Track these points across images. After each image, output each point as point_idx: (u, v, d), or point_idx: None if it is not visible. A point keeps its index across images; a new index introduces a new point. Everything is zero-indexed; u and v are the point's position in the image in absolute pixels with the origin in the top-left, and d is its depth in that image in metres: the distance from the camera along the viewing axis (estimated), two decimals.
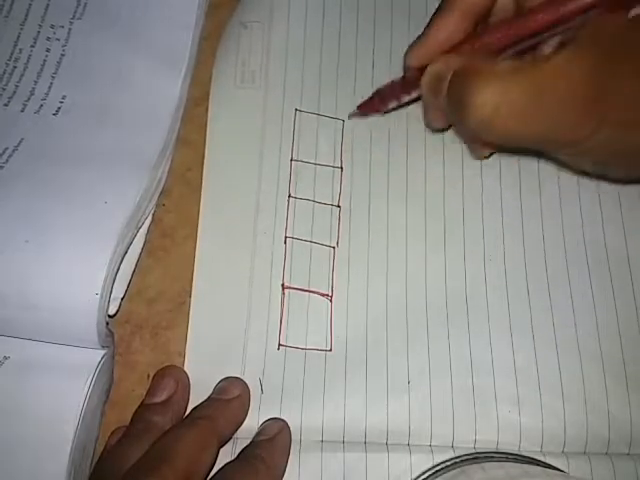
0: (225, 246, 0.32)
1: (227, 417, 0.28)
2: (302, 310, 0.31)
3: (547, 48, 0.26)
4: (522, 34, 0.24)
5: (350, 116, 0.33)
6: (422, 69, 0.27)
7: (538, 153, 0.32)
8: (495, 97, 0.23)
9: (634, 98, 0.23)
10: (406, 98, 0.30)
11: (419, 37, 0.27)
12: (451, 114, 0.27)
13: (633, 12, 0.22)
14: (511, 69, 0.24)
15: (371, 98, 0.31)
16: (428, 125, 0.32)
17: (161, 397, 0.28)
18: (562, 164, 0.31)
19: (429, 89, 0.27)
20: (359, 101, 0.33)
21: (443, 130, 0.33)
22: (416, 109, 0.33)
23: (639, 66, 0.23)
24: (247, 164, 0.34)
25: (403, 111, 0.34)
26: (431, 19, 0.27)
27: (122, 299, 0.31)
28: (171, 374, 0.29)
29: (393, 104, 0.30)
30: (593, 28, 0.23)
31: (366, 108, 0.32)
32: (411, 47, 0.28)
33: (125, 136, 0.32)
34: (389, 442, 0.29)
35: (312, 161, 0.34)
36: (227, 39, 0.36)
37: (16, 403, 0.28)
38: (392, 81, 0.30)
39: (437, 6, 0.27)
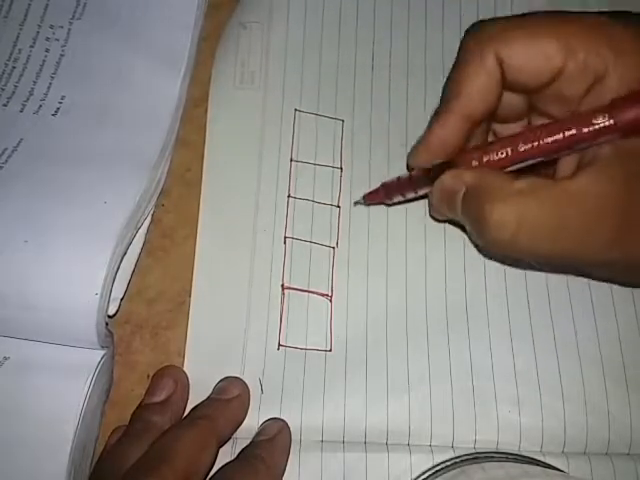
0: (225, 246, 0.32)
1: (227, 417, 0.28)
2: (302, 310, 0.31)
3: (563, 165, 0.25)
4: (532, 155, 0.23)
5: (355, 204, 0.32)
6: (428, 169, 0.26)
7: None
8: (515, 218, 0.22)
9: None
10: (412, 195, 0.29)
11: (422, 138, 0.26)
12: (468, 229, 0.26)
13: None
14: (530, 188, 0.22)
15: (377, 190, 0.30)
16: (433, 217, 0.32)
17: (160, 397, 0.28)
18: None
19: (440, 201, 0.26)
20: (360, 102, 0.33)
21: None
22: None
23: None
24: (246, 164, 0.34)
25: (403, 111, 0.34)
26: (432, 120, 0.26)
27: (122, 299, 0.31)
28: (170, 374, 0.29)
29: (398, 198, 0.30)
30: (616, 148, 0.22)
31: (372, 199, 0.31)
32: (414, 148, 0.27)
33: (125, 136, 0.32)
34: (389, 442, 0.29)
35: (312, 161, 0.34)
36: (226, 39, 0.36)
37: (16, 403, 0.28)
38: (399, 177, 0.29)
39: (435, 109, 0.25)
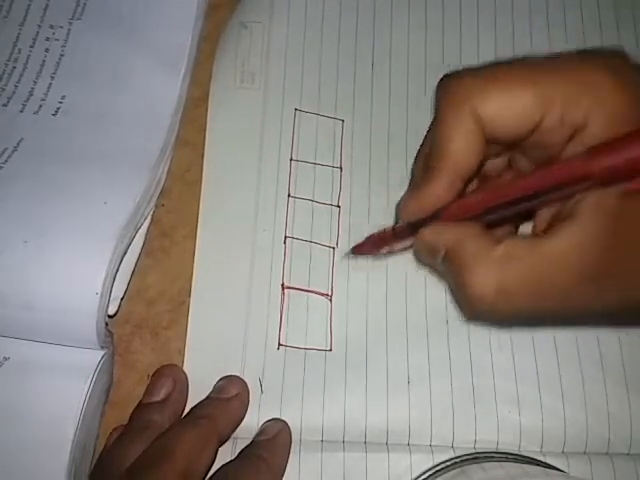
0: (225, 246, 0.32)
1: (226, 416, 0.28)
2: (302, 310, 0.31)
3: (543, 216, 0.24)
4: (510, 202, 0.23)
5: (344, 256, 0.32)
6: (414, 223, 0.26)
7: None
8: (493, 290, 0.22)
9: None
10: (398, 247, 0.28)
11: (411, 192, 0.26)
12: (449, 287, 0.26)
13: (626, 186, 0.21)
14: (508, 255, 0.22)
15: (364, 242, 0.30)
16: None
17: (159, 396, 0.28)
18: None
19: (422, 254, 0.26)
20: (360, 102, 0.33)
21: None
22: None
23: None
24: (246, 164, 0.34)
25: (403, 111, 0.34)
26: (421, 177, 0.25)
27: (122, 299, 0.31)
28: (169, 373, 0.29)
29: (384, 250, 0.29)
30: (595, 203, 0.21)
31: (360, 251, 0.30)
32: (403, 203, 0.26)
33: (125, 136, 0.32)
34: (389, 442, 0.29)
35: (311, 161, 0.34)
36: (227, 39, 0.36)
37: (16, 404, 0.28)
38: (385, 229, 0.29)
39: (418, 151, 0.25)
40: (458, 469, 0.28)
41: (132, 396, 0.30)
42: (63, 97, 0.33)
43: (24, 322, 0.29)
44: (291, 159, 0.34)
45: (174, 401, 0.29)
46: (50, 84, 0.33)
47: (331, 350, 0.30)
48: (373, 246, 0.29)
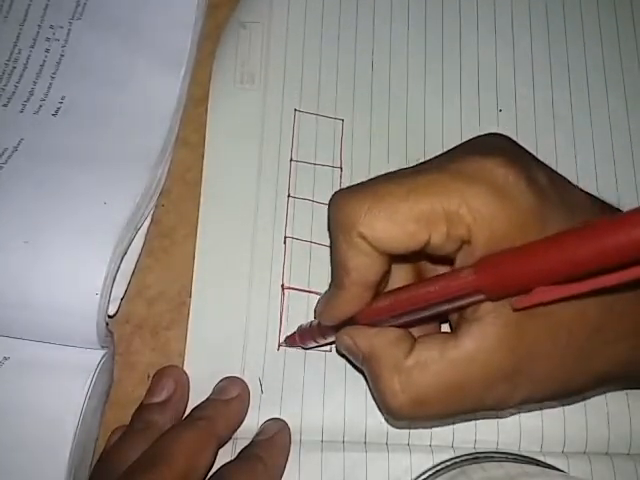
0: (225, 246, 0.32)
1: (226, 417, 0.28)
2: (302, 310, 0.31)
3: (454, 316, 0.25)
4: (412, 306, 0.23)
5: (280, 345, 0.31)
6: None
7: None
8: (408, 398, 0.23)
9: (547, 362, 0.22)
10: (322, 341, 0.29)
11: (323, 299, 0.26)
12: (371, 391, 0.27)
13: (516, 303, 0.21)
14: (418, 365, 0.23)
15: (293, 334, 0.30)
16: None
17: (160, 397, 0.28)
18: None
19: (344, 352, 0.26)
20: (360, 102, 0.34)
21: None
22: None
23: (547, 337, 0.22)
24: (246, 164, 0.34)
25: (403, 111, 0.34)
26: (331, 289, 0.25)
27: (122, 299, 0.31)
28: (170, 374, 0.29)
29: (312, 344, 0.29)
30: (491, 306, 0.22)
31: (290, 342, 0.30)
32: (318, 308, 0.27)
33: (125, 136, 0.32)
34: (389, 442, 0.29)
35: (311, 161, 0.34)
36: (226, 39, 0.36)
37: (16, 403, 0.28)
38: (311, 322, 0.29)
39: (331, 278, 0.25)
40: (458, 469, 0.28)
41: (132, 396, 0.30)
42: (63, 97, 0.33)
43: (24, 322, 0.29)
44: (291, 159, 0.34)
45: (175, 402, 0.29)
46: (50, 84, 0.33)
47: (331, 350, 0.30)
48: (301, 339, 0.30)
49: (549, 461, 0.28)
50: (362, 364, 0.25)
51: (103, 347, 0.29)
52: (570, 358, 0.22)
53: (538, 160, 0.24)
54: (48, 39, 0.34)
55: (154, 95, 0.34)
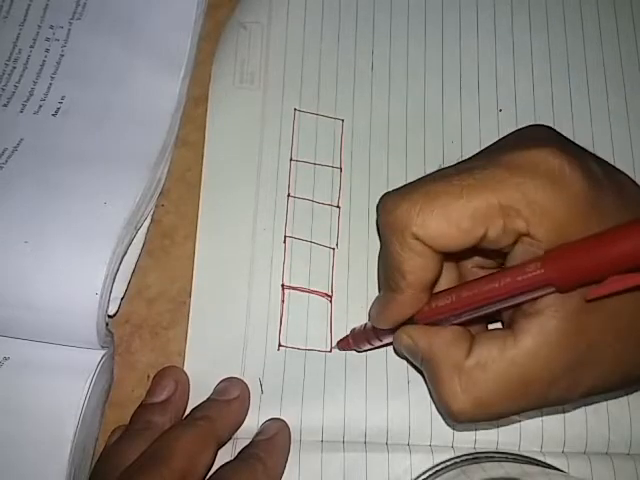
0: (225, 246, 0.32)
1: (226, 418, 0.28)
2: (302, 310, 0.31)
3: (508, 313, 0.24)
4: (474, 303, 0.23)
5: (332, 349, 0.31)
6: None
7: None
8: (469, 400, 0.22)
9: (608, 353, 0.22)
10: (377, 343, 0.29)
11: (378, 304, 0.26)
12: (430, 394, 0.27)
13: (591, 294, 0.21)
14: (478, 365, 0.22)
15: (346, 337, 0.30)
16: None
17: (160, 397, 0.28)
18: None
19: (403, 352, 0.26)
20: (360, 102, 0.34)
21: None
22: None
23: (609, 328, 0.22)
24: (246, 164, 0.34)
25: (403, 111, 0.34)
26: (385, 288, 0.25)
27: (122, 299, 0.31)
28: (171, 374, 0.29)
29: (366, 347, 0.29)
30: (553, 298, 0.21)
31: (342, 346, 0.30)
32: (373, 312, 0.26)
33: (124, 136, 0.32)
34: (389, 442, 0.29)
35: (311, 161, 0.34)
36: (226, 39, 0.36)
37: (16, 403, 0.28)
38: (365, 324, 0.29)
39: (385, 281, 0.25)
40: (458, 469, 0.28)
41: (132, 396, 0.30)
42: (63, 97, 0.33)
43: (24, 322, 0.29)
44: (291, 159, 0.34)
45: (175, 402, 0.29)
46: (50, 84, 0.33)
47: (331, 351, 0.30)
48: (354, 341, 0.29)
49: (549, 461, 0.28)
50: (421, 364, 0.25)
51: (103, 347, 0.29)
52: (631, 348, 0.22)
53: (585, 149, 0.24)
54: (48, 39, 0.34)
55: (154, 95, 0.34)
